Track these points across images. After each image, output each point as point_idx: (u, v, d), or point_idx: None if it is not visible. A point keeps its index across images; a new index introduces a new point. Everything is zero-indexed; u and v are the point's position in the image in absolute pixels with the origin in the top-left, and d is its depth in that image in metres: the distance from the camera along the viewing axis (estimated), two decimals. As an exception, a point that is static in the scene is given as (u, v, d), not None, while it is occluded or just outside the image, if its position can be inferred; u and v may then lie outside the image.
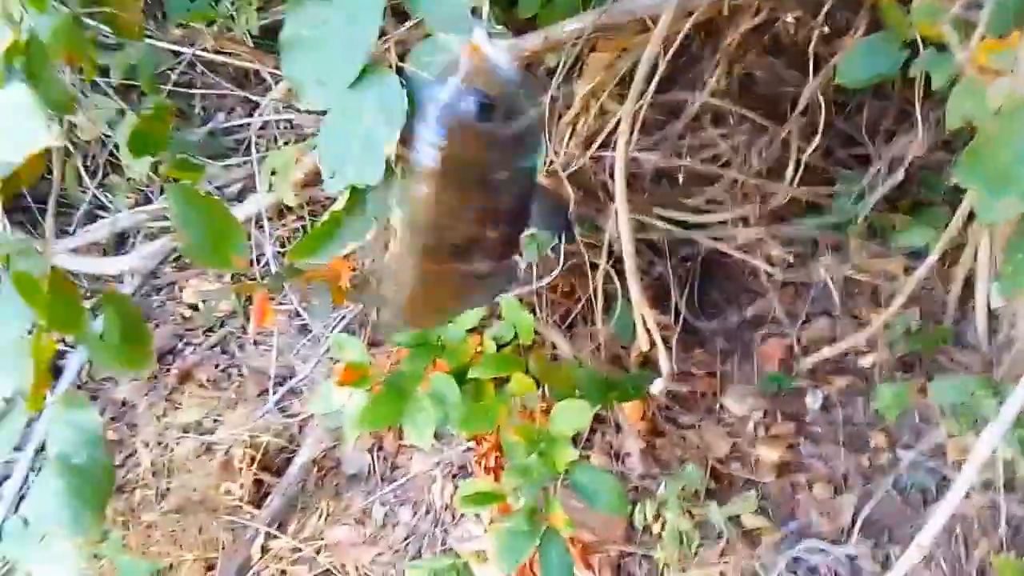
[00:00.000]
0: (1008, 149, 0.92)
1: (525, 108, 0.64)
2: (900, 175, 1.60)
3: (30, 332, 0.63)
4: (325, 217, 0.59)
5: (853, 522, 1.60)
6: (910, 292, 1.65)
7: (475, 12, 0.63)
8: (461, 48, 0.60)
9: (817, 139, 1.59)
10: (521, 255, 0.87)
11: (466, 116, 0.60)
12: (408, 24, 0.70)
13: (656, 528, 1.63)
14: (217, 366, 2.18)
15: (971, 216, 1.49)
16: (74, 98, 0.71)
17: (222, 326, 2.26)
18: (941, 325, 1.78)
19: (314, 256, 0.59)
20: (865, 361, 1.84)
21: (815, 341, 1.91)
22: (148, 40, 1.85)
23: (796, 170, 1.62)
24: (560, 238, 0.84)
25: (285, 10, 0.57)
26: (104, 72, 1.48)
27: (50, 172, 1.62)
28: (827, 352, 1.78)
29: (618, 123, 1.44)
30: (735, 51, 1.63)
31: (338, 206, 0.59)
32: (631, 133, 1.26)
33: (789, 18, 1.63)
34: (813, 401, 1.81)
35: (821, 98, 1.54)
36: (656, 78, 1.30)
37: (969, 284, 1.69)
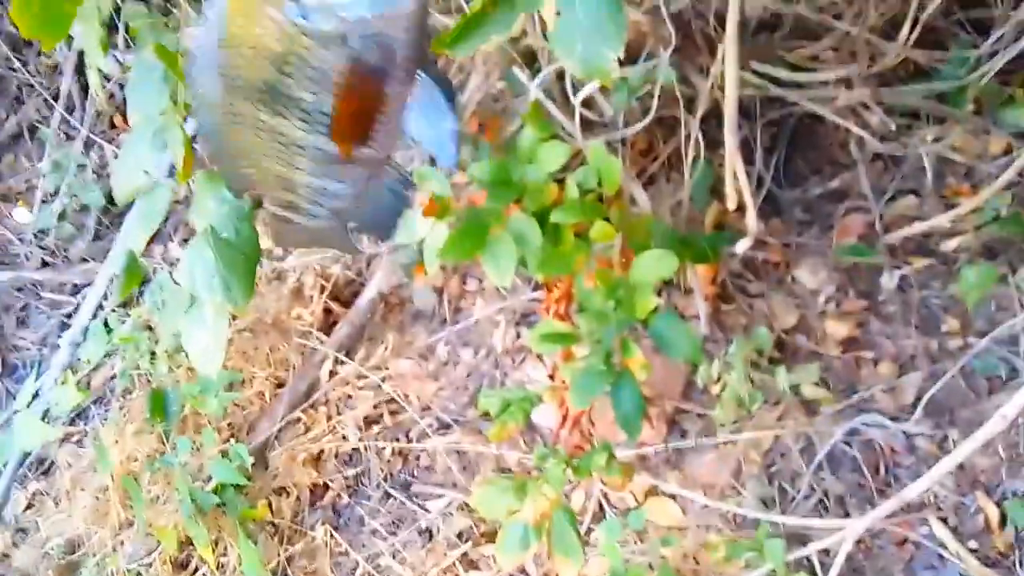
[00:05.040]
0: None
1: None
2: (1021, 44, 1.48)
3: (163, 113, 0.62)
4: (474, 5, 0.56)
5: (915, 402, 1.60)
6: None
7: None
8: None
9: (940, -4, 1.47)
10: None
11: None
12: None
13: (715, 389, 1.65)
14: (287, 196, 2.19)
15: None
16: None
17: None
18: (1035, 212, 1.70)
19: (461, 46, 0.57)
20: (949, 244, 1.77)
21: (898, 219, 1.85)
22: None
23: (912, 29, 1.50)
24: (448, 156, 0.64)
25: None
26: None
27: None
28: (910, 230, 1.73)
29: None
30: None
31: (484, -5, 0.55)
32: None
33: None
34: (889, 280, 1.77)
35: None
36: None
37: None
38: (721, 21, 1.38)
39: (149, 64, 0.61)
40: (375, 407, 1.84)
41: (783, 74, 1.63)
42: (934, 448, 1.55)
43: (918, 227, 1.68)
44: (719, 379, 1.65)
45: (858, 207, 1.86)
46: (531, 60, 1.71)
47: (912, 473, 1.53)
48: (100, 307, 1.84)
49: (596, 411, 1.59)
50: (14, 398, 2.00)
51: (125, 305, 1.91)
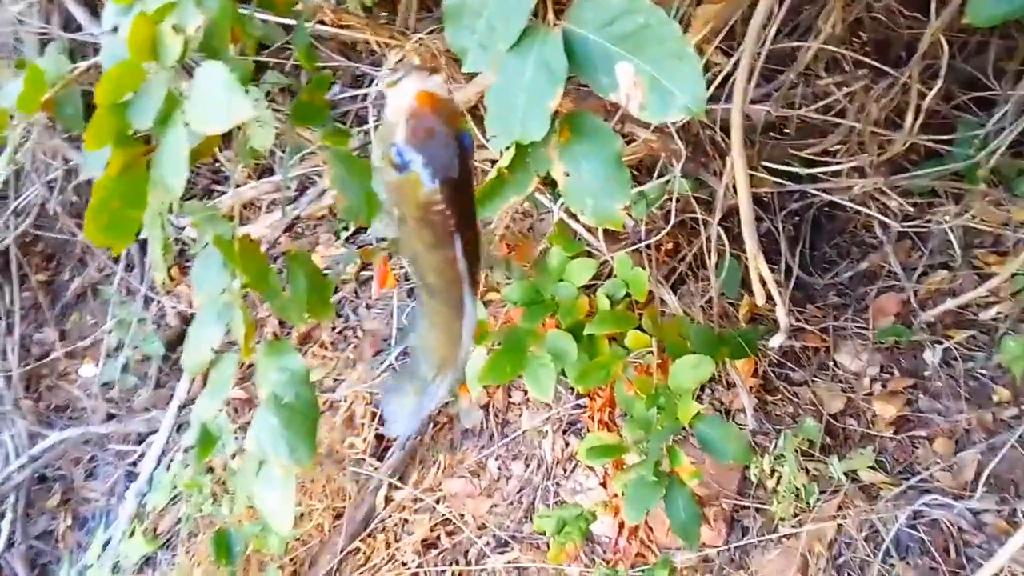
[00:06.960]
0: None
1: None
2: (1027, 119, 1.53)
3: (224, 291, 0.70)
4: (492, 174, 0.62)
5: (977, 477, 1.57)
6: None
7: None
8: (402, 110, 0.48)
9: (939, 83, 1.54)
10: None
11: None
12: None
13: (770, 483, 1.64)
14: (334, 329, 2.28)
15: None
16: (251, 73, 0.76)
17: (336, 291, 2.36)
18: (1071, 274, 1.71)
19: (486, 208, 0.63)
20: (987, 313, 1.78)
21: (933, 294, 1.86)
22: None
23: (916, 117, 1.56)
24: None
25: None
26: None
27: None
28: (949, 304, 1.74)
29: (727, 75, 1.43)
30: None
31: (503, 163, 0.62)
32: (748, 82, 1.25)
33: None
34: (932, 355, 1.77)
35: (944, 39, 1.48)
36: (774, 25, 1.28)
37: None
38: (726, 129, 1.46)
39: (209, 252, 0.69)
40: (432, 530, 1.85)
41: (797, 169, 1.69)
42: (1003, 523, 1.51)
43: (953, 303, 1.69)
44: (773, 472, 1.64)
45: (891, 286, 1.88)
46: (553, 183, 1.81)
47: (984, 552, 1.49)
48: (163, 454, 1.90)
49: (654, 517, 1.59)
50: (84, 550, 2.05)
51: (188, 449, 1.98)
